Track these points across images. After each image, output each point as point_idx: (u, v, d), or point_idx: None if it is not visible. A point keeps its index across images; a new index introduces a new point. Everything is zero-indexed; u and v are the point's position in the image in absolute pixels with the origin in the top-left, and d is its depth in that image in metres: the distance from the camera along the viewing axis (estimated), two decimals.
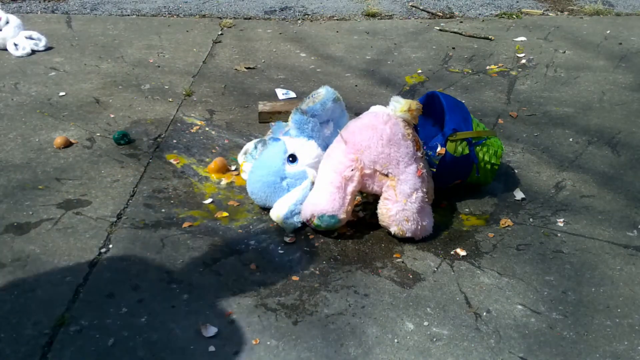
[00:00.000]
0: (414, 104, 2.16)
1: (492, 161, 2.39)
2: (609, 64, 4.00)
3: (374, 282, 1.96)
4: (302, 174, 2.25)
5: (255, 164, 2.32)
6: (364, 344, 1.71)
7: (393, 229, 2.11)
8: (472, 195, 2.46)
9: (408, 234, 2.11)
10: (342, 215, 2.11)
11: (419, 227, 2.11)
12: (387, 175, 2.10)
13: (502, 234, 2.23)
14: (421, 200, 2.11)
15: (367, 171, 2.10)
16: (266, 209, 2.31)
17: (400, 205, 2.08)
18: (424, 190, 2.12)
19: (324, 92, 2.35)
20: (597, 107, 3.35)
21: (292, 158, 2.25)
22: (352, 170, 2.09)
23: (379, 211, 2.15)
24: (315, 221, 2.12)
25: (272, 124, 2.60)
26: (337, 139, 2.18)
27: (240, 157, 2.60)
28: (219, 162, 2.57)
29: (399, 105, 2.16)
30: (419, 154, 2.15)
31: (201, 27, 4.65)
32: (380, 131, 2.10)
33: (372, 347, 1.70)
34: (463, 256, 2.10)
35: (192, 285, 1.93)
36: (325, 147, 2.29)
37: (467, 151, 2.32)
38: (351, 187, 2.11)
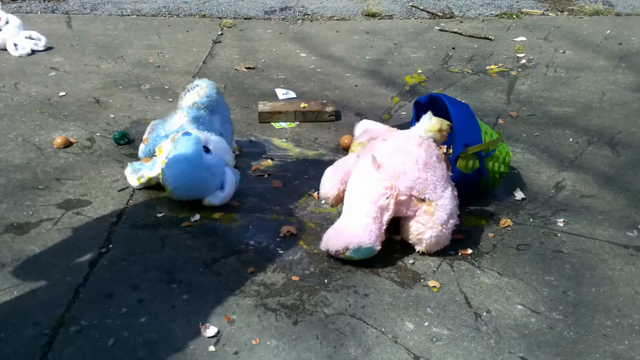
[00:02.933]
0: (445, 124, 2.07)
1: (502, 170, 2.38)
2: (609, 64, 4.00)
3: (374, 282, 1.96)
4: (219, 161, 2.30)
5: (175, 159, 2.26)
6: (364, 344, 1.71)
7: (419, 248, 2.06)
8: (472, 195, 2.46)
9: (431, 252, 2.08)
10: (378, 247, 1.99)
11: (443, 247, 2.08)
12: (423, 200, 2.00)
13: (502, 234, 2.23)
14: (454, 226, 2.05)
15: (403, 198, 1.98)
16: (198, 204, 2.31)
17: (435, 231, 1.99)
18: (458, 213, 2.06)
19: (205, 85, 2.46)
20: (597, 107, 3.35)
21: (206, 149, 2.29)
22: (387, 198, 1.97)
23: (407, 230, 2.05)
24: (349, 253, 1.97)
25: (154, 121, 2.63)
26: (366, 162, 2.04)
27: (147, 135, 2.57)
28: None
29: (430, 125, 2.06)
30: (450, 172, 2.09)
31: (201, 27, 4.65)
32: (415, 155, 1.99)
33: (372, 347, 1.70)
34: (463, 256, 2.10)
35: (192, 285, 1.93)
36: (219, 134, 2.42)
37: (477, 165, 2.30)
38: (387, 216, 1.98)
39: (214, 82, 2.56)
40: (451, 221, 2.03)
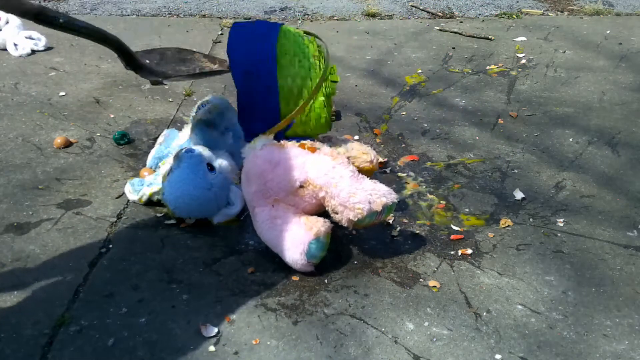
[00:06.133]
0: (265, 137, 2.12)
1: (324, 115, 2.24)
2: (609, 64, 4.00)
3: (374, 282, 1.96)
4: (224, 180, 2.22)
5: (176, 178, 2.16)
6: (364, 344, 1.71)
7: (350, 215, 1.93)
8: (472, 195, 2.46)
9: (363, 207, 1.90)
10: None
11: (356, 196, 1.92)
12: (302, 187, 2.00)
13: (502, 234, 2.23)
14: (347, 170, 1.97)
15: (282, 195, 2.02)
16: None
17: (335, 190, 1.94)
18: (344, 161, 2.01)
19: (218, 102, 2.35)
20: (597, 107, 3.35)
21: (211, 167, 2.20)
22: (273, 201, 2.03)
23: (337, 215, 1.98)
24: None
25: (166, 131, 2.61)
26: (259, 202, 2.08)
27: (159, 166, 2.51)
28: None
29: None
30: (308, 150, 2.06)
31: (201, 27, 4.65)
32: (259, 167, 2.04)
33: (372, 347, 1.70)
34: (463, 256, 2.10)
35: (192, 285, 1.93)
36: (230, 154, 2.34)
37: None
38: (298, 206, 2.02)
39: (226, 99, 2.43)
40: (339, 172, 1.97)
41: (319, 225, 1.96)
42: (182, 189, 2.15)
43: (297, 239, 1.95)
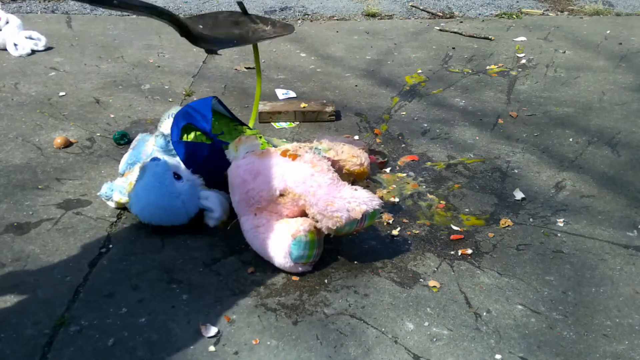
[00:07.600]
0: (239, 140, 2.16)
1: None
2: (609, 64, 4.00)
3: (374, 282, 1.96)
4: (191, 187, 2.17)
5: (142, 187, 2.13)
6: (364, 344, 1.71)
7: (329, 223, 1.90)
8: (472, 195, 2.46)
9: (341, 215, 1.88)
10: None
11: (334, 204, 1.89)
12: (282, 196, 1.99)
13: (502, 234, 2.23)
14: (326, 178, 1.94)
15: (264, 203, 2.01)
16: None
17: (313, 199, 1.92)
18: (330, 172, 2.00)
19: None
20: (597, 107, 3.36)
21: (177, 176, 2.17)
22: (257, 208, 2.03)
23: (317, 223, 1.95)
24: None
25: (139, 135, 2.54)
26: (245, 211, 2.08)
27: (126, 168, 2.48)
28: None
29: (232, 150, 2.15)
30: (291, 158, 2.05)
31: None
32: (240, 177, 2.05)
33: (372, 347, 1.70)
34: (463, 256, 2.10)
35: (192, 285, 1.93)
36: None
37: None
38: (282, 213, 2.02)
39: None
40: (316, 180, 1.97)
41: (297, 225, 1.95)
42: (148, 199, 2.12)
43: (278, 243, 1.96)
